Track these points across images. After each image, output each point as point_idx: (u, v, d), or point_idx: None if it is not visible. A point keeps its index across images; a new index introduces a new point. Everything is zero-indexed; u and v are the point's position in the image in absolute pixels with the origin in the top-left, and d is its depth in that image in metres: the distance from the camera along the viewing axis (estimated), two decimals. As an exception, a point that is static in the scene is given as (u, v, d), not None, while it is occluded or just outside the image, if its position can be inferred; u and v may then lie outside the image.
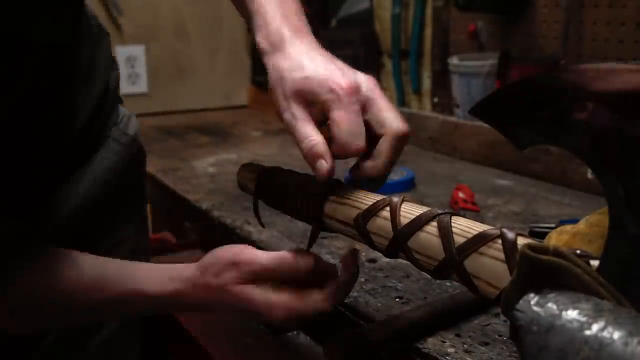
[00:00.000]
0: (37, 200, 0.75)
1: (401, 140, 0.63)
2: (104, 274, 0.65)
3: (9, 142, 0.69)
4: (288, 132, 0.61)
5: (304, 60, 0.61)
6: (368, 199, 0.59)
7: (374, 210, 0.57)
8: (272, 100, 0.63)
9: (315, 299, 0.61)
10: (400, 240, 0.54)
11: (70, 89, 0.77)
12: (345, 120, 0.58)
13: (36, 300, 0.64)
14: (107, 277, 0.64)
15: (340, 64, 0.62)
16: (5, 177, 0.70)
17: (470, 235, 0.49)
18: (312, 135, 0.59)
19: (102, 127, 0.85)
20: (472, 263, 0.48)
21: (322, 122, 0.61)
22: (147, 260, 0.90)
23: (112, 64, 0.87)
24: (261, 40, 0.63)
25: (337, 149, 0.59)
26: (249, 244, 0.95)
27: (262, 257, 0.61)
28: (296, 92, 0.60)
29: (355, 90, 0.59)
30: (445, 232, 0.50)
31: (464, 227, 0.50)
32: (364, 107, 0.60)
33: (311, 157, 0.59)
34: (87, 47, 0.79)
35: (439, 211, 0.52)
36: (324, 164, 0.58)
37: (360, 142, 0.58)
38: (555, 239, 0.59)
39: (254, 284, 0.60)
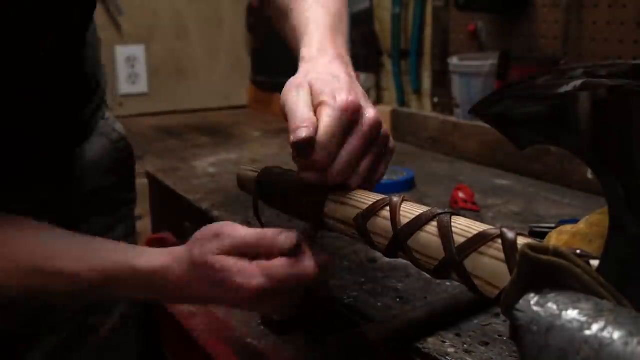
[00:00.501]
0: (22, 191, 0.76)
1: (374, 127, 0.62)
2: (94, 246, 0.64)
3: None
4: (285, 112, 0.62)
5: (327, 71, 0.66)
6: (368, 198, 0.59)
7: (374, 210, 0.57)
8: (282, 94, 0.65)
9: (300, 267, 0.58)
10: (400, 240, 0.54)
11: (74, 87, 0.78)
12: (329, 124, 0.59)
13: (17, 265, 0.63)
14: (97, 248, 0.64)
15: (359, 90, 0.65)
16: None
17: (470, 235, 0.49)
18: (307, 117, 0.60)
19: (90, 117, 0.85)
20: (472, 263, 0.48)
21: None
22: None
23: (99, 59, 0.89)
24: (304, 53, 0.71)
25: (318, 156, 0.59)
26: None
27: (243, 231, 0.60)
28: (311, 83, 0.63)
29: (354, 108, 0.61)
30: (445, 232, 0.50)
31: (464, 226, 0.50)
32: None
33: (294, 123, 0.59)
34: (90, 34, 0.80)
35: (439, 211, 0.52)
36: (303, 132, 0.58)
37: (331, 148, 0.59)
38: (555, 239, 0.59)
39: (232, 255, 0.59)
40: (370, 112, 0.62)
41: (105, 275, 0.61)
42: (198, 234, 0.62)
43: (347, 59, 0.71)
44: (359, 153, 0.61)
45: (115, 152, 0.90)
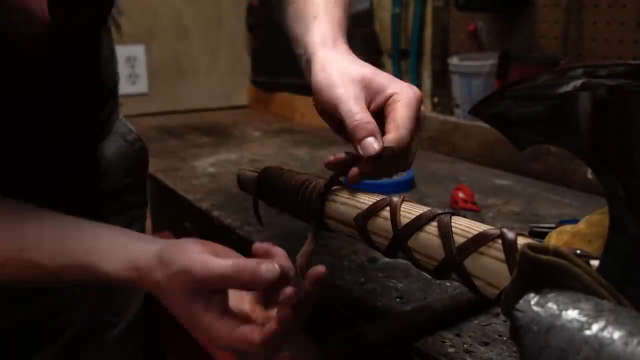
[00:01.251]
0: (40, 192, 0.76)
1: (415, 106, 0.60)
2: (64, 239, 0.62)
3: (16, 125, 0.69)
4: (334, 107, 0.60)
5: (359, 61, 0.64)
6: (368, 199, 0.59)
7: (374, 210, 0.57)
8: (317, 83, 0.63)
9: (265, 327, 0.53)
10: (400, 240, 0.54)
11: (92, 71, 0.78)
12: (407, 124, 0.58)
13: None
14: (67, 244, 0.61)
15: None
16: (7, 166, 0.70)
17: (470, 235, 0.49)
18: (365, 113, 0.58)
19: (108, 117, 0.86)
20: (472, 263, 0.48)
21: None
22: None
23: (115, 60, 0.89)
24: (315, 38, 0.67)
25: (389, 140, 0.57)
26: (249, 244, 0.95)
27: (218, 266, 0.53)
28: (362, 78, 0.60)
29: (420, 100, 0.60)
30: (446, 232, 0.50)
31: (464, 227, 0.50)
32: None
33: (362, 131, 0.57)
34: (107, 35, 0.81)
35: (439, 211, 0.52)
36: (375, 144, 0.57)
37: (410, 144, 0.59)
38: (555, 238, 0.59)
39: (203, 300, 0.54)
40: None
41: (73, 274, 0.60)
42: (172, 252, 0.56)
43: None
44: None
45: (132, 152, 0.90)
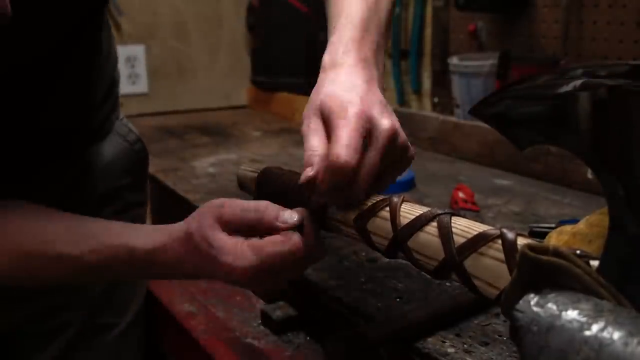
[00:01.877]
0: (37, 191, 0.76)
1: (390, 138, 0.58)
2: (92, 228, 0.64)
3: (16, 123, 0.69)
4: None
5: (342, 81, 0.61)
6: (368, 199, 0.59)
7: (373, 210, 0.57)
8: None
9: (291, 244, 0.57)
10: (400, 241, 0.54)
11: (90, 65, 0.79)
12: (344, 136, 0.55)
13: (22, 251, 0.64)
14: (95, 230, 0.64)
15: (375, 98, 0.60)
16: (6, 162, 0.71)
17: (470, 236, 0.49)
18: (315, 146, 0.58)
19: (107, 116, 0.86)
20: (472, 263, 0.48)
21: None
22: None
23: (116, 57, 0.89)
24: (325, 58, 0.64)
25: (328, 162, 0.55)
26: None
27: (245, 204, 0.59)
28: (319, 106, 0.59)
29: (366, 119, 0.57)
30: (445, 232, 0.50)
31: (464, 227, 0.50)
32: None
33: (305, 164, 0.57)
34: (105, 31, 0.82)
35: (439, 211, 0.52)
36: (309, 171, 0.56)
37: (350, 157, 0.54)
38: (555, 239, 0.59)
39: (229, 230, 0.58)
40: (384, 123, 0.57)
41: (104, 257, 0.62)
42: (201, 207, 0.62)
43: (372, 60, 0.64)
44: (377, 168, 0.57)
45: (131, 153, 0.90)
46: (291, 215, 0.59)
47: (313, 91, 0.62)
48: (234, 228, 0.59)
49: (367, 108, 0.57)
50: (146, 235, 0.62)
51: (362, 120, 0.56)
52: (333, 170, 0.54)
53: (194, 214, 0.61)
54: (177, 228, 0.61)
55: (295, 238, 0.57)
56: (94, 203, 0.84)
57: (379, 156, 0.56)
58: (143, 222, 0.97)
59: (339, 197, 0.58)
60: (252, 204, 0.60)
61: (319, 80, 0.63)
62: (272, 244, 0.57)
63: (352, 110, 0.56)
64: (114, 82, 0.88)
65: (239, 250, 0.57)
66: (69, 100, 0.76)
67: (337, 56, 0.63)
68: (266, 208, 0.59)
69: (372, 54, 0.65)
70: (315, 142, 0.58)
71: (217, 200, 0.61)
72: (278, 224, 0.58)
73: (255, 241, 0.57)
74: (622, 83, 0.42)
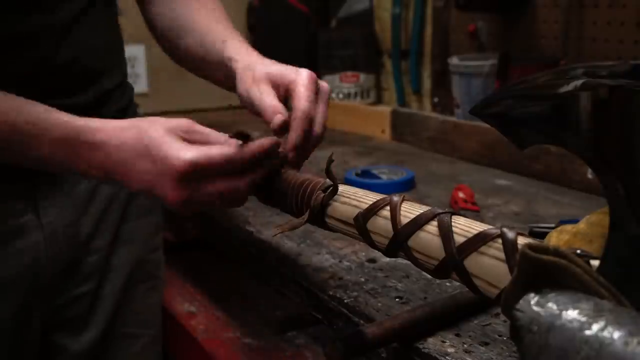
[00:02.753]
0: (49, 179, 0.77)
1: (309, 84, 0.69)
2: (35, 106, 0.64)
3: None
4: (252, 105, 0.70)
5: (266, 61, 0.75)
6: (368, 198, 0.59)
7: (374, 209, 0.57)
8: (237, 88, 0.74)
9: (238, 154, 0.60)
10: (400, 240, 0.54)
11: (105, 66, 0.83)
12: (307, 96, 0.67)
13: None
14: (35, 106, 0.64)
15: None
16: None
17: (470, 235, 0.49)
18: (276, 103, 0.68)
19: (124, 107, 0.87)
20: (472, 262, 0.48)
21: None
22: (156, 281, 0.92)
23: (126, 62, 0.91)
24: (233, 55, 0.77)
25: (298, 120, 0.66)
26: (249, 244, 0.95)
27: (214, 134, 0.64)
28: (265, 75, 0.71)
29: (315, 80, 0.70)
30: (446, 232, 0.50)
31: (464, 226, 0.50)
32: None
33: (270, 114, 0.67)
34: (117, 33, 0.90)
35: (439, 210, 0.52)
36: (280, 117, 0.66)
37: (312, 109, 0.68)
38: (556, 238, 0.59)
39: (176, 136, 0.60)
40: (324, 84, 0.71)
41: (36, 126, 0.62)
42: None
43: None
44: (327, 115, 0.69)
45: None
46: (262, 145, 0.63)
47: (242, 71, 0.73)
48: (185, 137, 0.60)
49: (311, 73, 0.70)
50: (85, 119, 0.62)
51: (314, 80, 0.69)
52: (304, 120, 0.66)
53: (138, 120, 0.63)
54: (123, 121, 0.63)
55: (241, 147, 0.60)
56: (103, 196, 0.85)
57: (326, 107, 0.70)
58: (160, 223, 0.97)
59: (305, 149, 0.67)
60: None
61: (237, 69, 0.75)
62: (219, 146, 0.60)
63: (305, 73, 0.69)
64: (125, 79, 0.90)
65: (185, 146, 0.58)
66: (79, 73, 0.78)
67: (243, 54, 0.77)
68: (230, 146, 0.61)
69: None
70: (274, 101, 0.68)
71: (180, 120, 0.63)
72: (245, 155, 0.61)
73: (202, 146, 0.60)
74: (622, 83, 0.42)
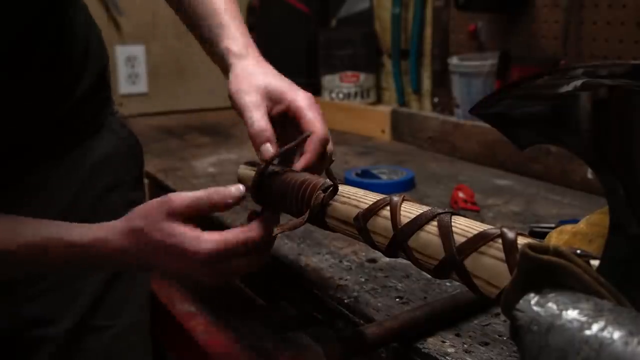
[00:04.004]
0: (27, 188, 0.76)
1: (315, 106, 0.71)
2: (25, 223, 0.65)
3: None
4: (241, 112, 0.70)
5: (267, 70, 0.75)
6: (368, 198, 0.59)
7: (374, 209, 0.57)
8: (229, 85, 0.73)
9: (252, 231, 0.61)
10: (400, 240, 0.54)
11: (68, 66, 0.79)
12: (320, 120, 0.69)
13: None
14: (29, 225, 0.65)
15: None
16: None
17: (470, 235, 0.49)
18: (263, 121, 0.68)
19: (97, 111, 0.85)
20: (472, 262, 0.48)
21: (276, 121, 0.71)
22: None
23: (105, 53, 0.89)
24: (232, 47, 0.77)
25: (318, 143, 0.68)
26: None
27: (191, 193, 0.63)
28: (264, 88, 0.71)
29: (314, 99, 0.72)
30: (446, 232, 0.50)
31: (464, 226, 0.50)
32: None
33: (259, 139, 0.68)
34: (80, 26, 0.82)
35: (439, 210, 0.52)
36: (270, 149, 0.67)
37: (329, 138, 0.70)
38: (556, 238, 0.59)
39: (183, 220, 0.61)
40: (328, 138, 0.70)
41: (39, 249, 0.63)
42: (141, 206, 0.63)
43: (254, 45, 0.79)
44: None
45: (125, 149, 0.90)
46: (237, 188, 0.64)
47: (240, 74, 0.73)
48: (187, 216, 0.61)
49: (310, 95, 0.72)
50: (81, 230, 0.64)
51: (315, 101, 0.71)
52: (321, 143, 0.68)
53: (132, 213, 0.63)
54: (116, 224, 0.63)
55: (254, 225, 0.62)
56: (88, 201, 0.84)
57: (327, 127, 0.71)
58: None
59: (319, 170, 0.68)
60: (199, 191, 0.63)
61: (239, 66, 0.74)
62: (233, 231, 0.61)
63: (307, 94, 0.71)
64: (103, 77, 0.88)
65: (201, 235, 0.60)
66: (43, 90, 0.76)
67: (244, 47, 0.77)
68: (214, 190, 0.63)
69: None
70: (259, 116, 0.69)
71: (159, 198, 0.63)
72: (228, 200, 0.62)
73: (215, 231, 0.61)
74: (622, 83, 0.42)
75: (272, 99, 0.71)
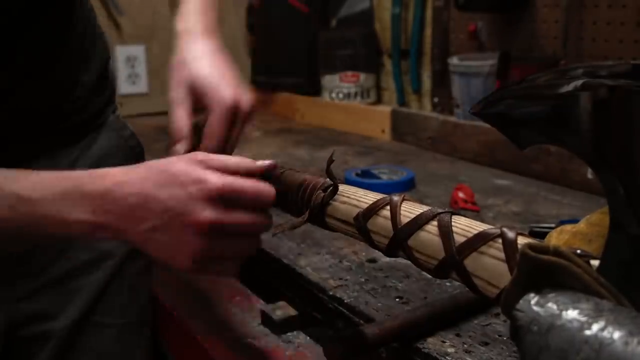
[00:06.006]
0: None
1: (232, 113, 0.72)
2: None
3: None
4: (169, 105, 0.74)
5: (207, 58, 0.75)
6: (368, 197, 0.59)
7: (374, 209, 0.57)
8: (169, 73, 0.76)
9: (261, 186, 0.58)
10: (400, 239, 0.54)
11: (68, 60, 0.78)
12: (218, 129, 0.71)
13: None
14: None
15: (232, 73, 0.76)
16: None
17: (470, 235, 0.49)
18: (182, 120, 0.72)
19: (99, 110, 0.85)
20: (472, 262, 0.48)
21: (199, 109, 0.74)
22: (149, 264, 0.91)
23: (107, 47, 0.89)
24: (179, 25, 0.79)
25: (204, 148, 0.70)
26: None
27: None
28: (191, 81, 0.73)
29: (235, 106, 0.72)
30: (446, 231, 0.50)
31: (465, 226, 0.50)
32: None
33: (173, 138, 0.72)
34: (82, 24, 0.81)
35: (439, 210, 0.52)
36: (181, 149, 0.71)
37: (218, 147, 0.71)
38: (556, 238, 0.59)
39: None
40: (245, 104, 0.73)
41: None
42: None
43: (217, 27, 0.80)
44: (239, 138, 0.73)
45: (126, 148, 0.90)
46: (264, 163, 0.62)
47: (177, 58, 0.75)
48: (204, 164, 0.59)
49: (235, 93, 0.72)
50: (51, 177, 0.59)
51: (231, 109, 0.71)
52: (225, 109, 0.71)
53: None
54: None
55: (267, 185, 0.59)
56: None
57: (242, 129, 0.73)
58: None
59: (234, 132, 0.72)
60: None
61: (178, 46, 0.77)
62: (244, 179, 0.58)
63: (226, 99, 0.71)
64: (106, 73, 0.87)
65: (217, 172, 0.56)
66: (42, 83, 0.75)
67: (189, 24, 0.78)
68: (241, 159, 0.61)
69: (217, 30, 0.79)
70: (180, 113, 0.73)
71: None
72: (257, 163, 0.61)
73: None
74: (622, 83, 0.42)
75: (196, 95, 0.73)
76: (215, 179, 0.55)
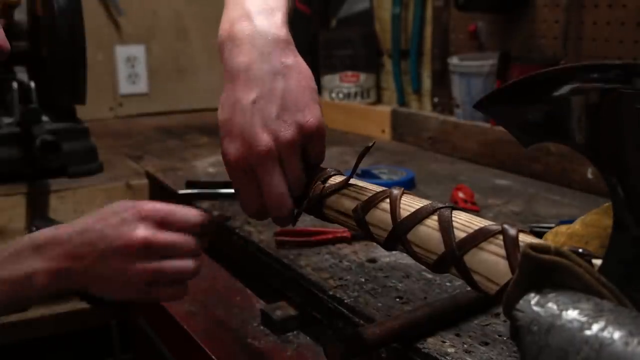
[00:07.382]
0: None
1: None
2: None
3: None
4: None
5: (226, 87, 0.61)
6: (368, 190, 0.58)
7: (373, 201, 0.56)
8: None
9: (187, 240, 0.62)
10: (400, 233, 0.53)
11: None
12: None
13: None
14: None
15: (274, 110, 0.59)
16: None
17: (471, 230, 0.49)
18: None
19: None
20: (472, 258, 0.48)
21: None
22: None
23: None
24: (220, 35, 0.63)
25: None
26: (249, 244, 0.95)
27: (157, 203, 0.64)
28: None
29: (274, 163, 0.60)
30: (446, 226, 0.50)
31: (465, 221, 0.50)
32: None
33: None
34: None
35: (440, 205, 0.52)
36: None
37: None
38: (552, 240, 0.59)
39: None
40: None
41: None
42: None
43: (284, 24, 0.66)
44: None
45: None
46: (200, 215, 0.63)
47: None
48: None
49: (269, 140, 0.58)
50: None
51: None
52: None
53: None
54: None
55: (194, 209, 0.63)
56: None
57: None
58: None
59: None
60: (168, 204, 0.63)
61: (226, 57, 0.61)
62: (183, 209, 0.62)
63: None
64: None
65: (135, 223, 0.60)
66: None
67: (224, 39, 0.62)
68: (177, 206, 0.63)
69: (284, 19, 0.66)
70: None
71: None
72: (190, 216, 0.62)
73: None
74: (613, 86, 0.42)
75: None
76: (148, 205, 0.61)
